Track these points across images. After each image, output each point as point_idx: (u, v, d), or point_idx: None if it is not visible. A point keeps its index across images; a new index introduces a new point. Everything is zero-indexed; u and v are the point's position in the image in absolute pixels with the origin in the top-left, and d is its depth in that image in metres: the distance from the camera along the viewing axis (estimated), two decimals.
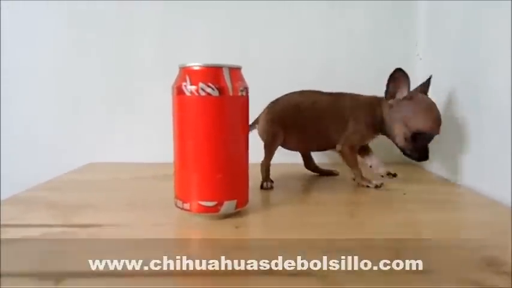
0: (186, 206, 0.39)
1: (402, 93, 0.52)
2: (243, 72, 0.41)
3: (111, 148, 0.75)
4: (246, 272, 0.29)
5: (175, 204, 0.41)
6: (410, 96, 0.52)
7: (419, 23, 0.73)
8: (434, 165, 0.67)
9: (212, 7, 0.72)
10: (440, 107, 0.63)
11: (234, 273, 0.28)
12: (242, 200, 0.41)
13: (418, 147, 0.51)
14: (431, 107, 0.52)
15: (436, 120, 0.51)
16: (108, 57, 0.74)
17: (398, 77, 0.51)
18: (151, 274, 0.28)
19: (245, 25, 0.73)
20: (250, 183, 0.42)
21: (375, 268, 0.29)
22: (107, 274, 0.28)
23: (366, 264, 0.30)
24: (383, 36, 0.74)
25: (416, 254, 0.31)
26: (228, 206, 0.39)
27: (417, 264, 0.29)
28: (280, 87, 0.57)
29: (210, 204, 0.39)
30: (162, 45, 0.73)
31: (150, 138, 0.71)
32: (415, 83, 0.73)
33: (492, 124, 0.51)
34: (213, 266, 0.29)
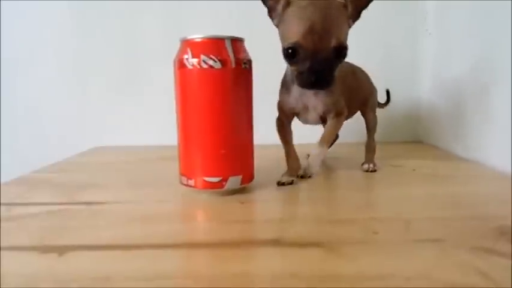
0: (191, 182, 0.39)
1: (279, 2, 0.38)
2: (248, 45, 0.40)
3: (118, 131, 0.75)
4: (253, 242, 0.28)
5: (180, 181, 0.40)
6: (288, 2, 0.37)
7: None
8: (441, 141, 0.66)
9: None
10: (450, 81, 0.62)
11: (240, 243, 0.28)
12: (247, 175, 0.40)
13: (300, 70, 0.37)
14: (305, 9, 0.36)
15: (308, 28, 0.35)
16: (114, 39, 0.73)
17: None
18: (154, 246, 0.27)
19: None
20: (256, 162, 0.42)
21: (384, 238, 0.29)
22: (109, 247, 0.27)
23: (375, 233, 0.29)
24: (390, 11, 0.72)
25: (428, 225, 0.31)
26: (233, 181, 0.38)
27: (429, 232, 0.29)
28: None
29: (215, 180, 0.38)
30: (168, 27, 0.72)
31: (158, 121, 0.70)
32: (424, 59, 0.72)
33: (502, 103, 0.49)
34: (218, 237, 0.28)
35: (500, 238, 0.28)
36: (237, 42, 0.38)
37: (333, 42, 0.35)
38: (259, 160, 0.42)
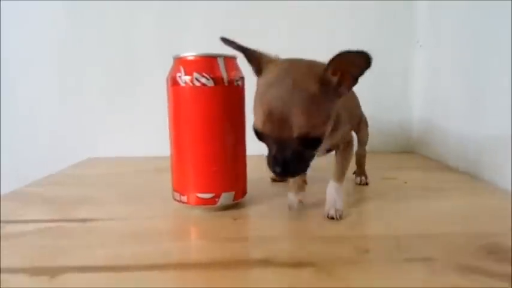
0: (184, 198, 0.39)
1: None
2: (241, 62, 0.40)
3: (111, 142, 0.74)
4: (245, 263, 0.28)
5: (173, 197, 0.40)
6: (260, 67, 0.33)
7: (419, 11, 0.72)
8: (432, 152, 0.67)
9: None
10: (440, 92, 0.62)
11: (232, 263, 0.28)
12: (240, 191, 0.40)
13: (268, 153, 0.32)
14: (269, 88, 0.30)
15: (266, 115, 0.29)
16: (108, 50, 0.73)
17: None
18: (147, 267, 0.28)
19: (244, 15, 0.72)
20: (250, 175, 0.42)
21: (375, 257, 0.29)
22: (101, 268, 0.27)
23: (366, 251, 0.30)
24: (382, 24, 0.73)
25: (419, 243, 0.31)
26: (226, 197, 0.39)
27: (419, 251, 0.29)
28: None
29: (208, 196, 0.38)
30: (162, 39, 0.72)
31: (151, 132, 0.70)
32: (415, 70, 0.73)
33: (493, 113, 0.50)
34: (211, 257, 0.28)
35: (488, 257, 0.29)
36: (229, 60, 0.38)
37: (296, 133, 0.29)
38: (253, 172, 0.42)
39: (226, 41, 0.34)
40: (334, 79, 0.30)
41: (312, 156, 0.32)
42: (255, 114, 0.31)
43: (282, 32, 0.72)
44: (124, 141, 0.74)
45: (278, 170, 0.31)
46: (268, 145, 0.32)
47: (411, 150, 0.76)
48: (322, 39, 0.70)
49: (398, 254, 0.29)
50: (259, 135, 0.31)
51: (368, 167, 0.52)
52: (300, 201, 0.40)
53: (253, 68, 0.34)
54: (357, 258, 0.29)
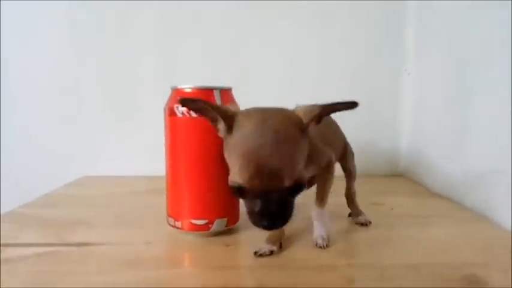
0: (178, 224, 0.40)
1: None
2: (236, 89, 0.42)
3: (108, 160, 0.75)
4: None
5: (168, 222, 0.42)
6: (230, 122, 0.31)
7: (408, 39, 0.75)
8: (422, 176, 0.69)
9: (208, 26, 0.74)
10: (428, 118, 0.64)
11: None
12: (233, 218, 0.42)
13: (250, 209, 0.31)
14: (250, 143, 0.30)
15: (254, 172, 0.29)
16: (106, 73, 0.75)
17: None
18: None
19: (240, 43, 0.75)
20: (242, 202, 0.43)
21: (359, 286, 0.31)
22: None
23: (351, 281, 0.31)
24: (372, 52, 0.76)
25: (402, 273, 0.33)
26: (219, 224, 0.40)
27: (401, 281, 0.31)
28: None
29: (201, 222, 0.40)
30: (160, 61, 0.74)
31: (146, 151, 0.71)
32: (404, 98, 0.76)
33: (480, 138, 0.52)
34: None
35: None
36: (225, 91, 0.40)
37: (287, 182, 0.29)
38: None
39: (187, 101, 0.33)
40: (312, 125, 0.32)
41: (294, 202, 0.32)
42: (234, 169, 0.30)
43: (276, 57, 0.75)
44: (120, 160, 0.75)
45: (267, 223, 0.30)
46: (249, 200, 0.31)
47: (400, 173, 0.78)
48: (313, 73, 0.73)
49: (382, 284, 0.31)
50: (241, 191, 0.30)
51: (356, 191, 0.53)
52: (272, 252, 0.37)
53: (223, 125, 0.32)
54: (343, 287, 0.30)
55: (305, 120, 0.31)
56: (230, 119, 0.31)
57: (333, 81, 0.75)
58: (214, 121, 0.33)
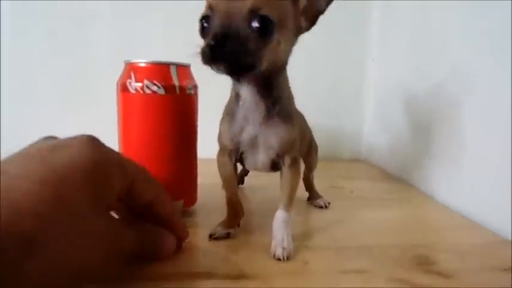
0: None
1: None
2: (194, 70, 0.40)
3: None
4: (186, 275, 0.29)
5: None
6: None
7: (372, 28, 0.75)
8: (381, 160, 0.70)
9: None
10: (391, 105, 0.66)
11: (173, 275, 0.28)
12: (190, 199, 0.41)
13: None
14: None
15: None
16: (59, 52, 0.70)
17: None
18: None
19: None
20: (201, 181, 0.42)
21: (313, 269, 0.30)
22: None
23: (306, 263, 0.31)
24: (338, 43, 0.76)
25: (356, 254, 0.33)
26: (175, 205, 0.39)
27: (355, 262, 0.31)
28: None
29: None
30: (116, 40, 0.70)
31: (100, 128, 0.67)
32: (368, 83, 0.77)
33: (443, 126, 0.54)
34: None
35: (417, 268, 0.31)
36: (182, 68, 0.38)
37: (248, 4, 0.27)
38: (205, 178, 0.42)
39: None
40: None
41: (259, 51, 0.28)
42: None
43: None
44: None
45: (212, 43, 0.26)
46: (210, 32, 0.28)
47: (361, 158, 0.79)
48: None
49: (336, 265, 0.31)
50: (208, 19, 0.28)
51: (317, 175, 0.53)
52: (228, 235, 0.36)
53: None
54: (297, 269, 0.30)
55: None
56: None
57: (300, 69, 0.74)
58: None
